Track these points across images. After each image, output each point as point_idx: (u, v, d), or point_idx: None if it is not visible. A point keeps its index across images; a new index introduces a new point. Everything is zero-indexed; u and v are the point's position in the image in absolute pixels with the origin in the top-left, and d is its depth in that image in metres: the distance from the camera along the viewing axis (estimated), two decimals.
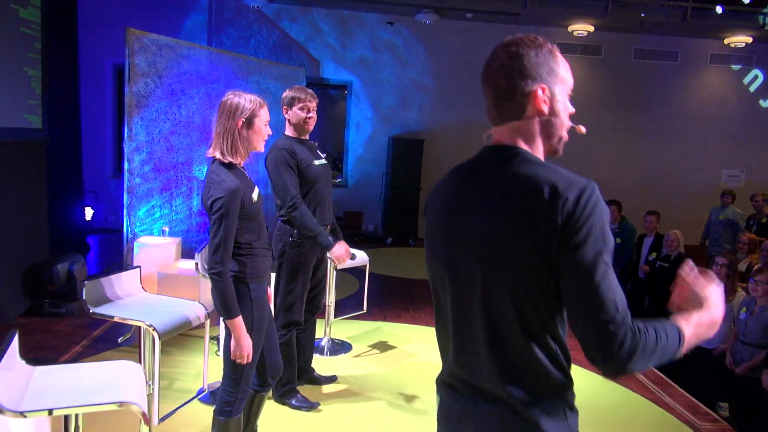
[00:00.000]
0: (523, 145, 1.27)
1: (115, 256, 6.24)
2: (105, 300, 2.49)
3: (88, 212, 7.98)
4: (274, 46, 8.64)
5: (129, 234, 5.59)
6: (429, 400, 3.39)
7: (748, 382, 4.33)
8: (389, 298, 5.71)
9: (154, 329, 2.34)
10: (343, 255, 3.18)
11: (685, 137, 9.30)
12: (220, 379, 2.31)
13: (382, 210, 9.14)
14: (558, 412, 1.17)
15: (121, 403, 1.80)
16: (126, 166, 5.51)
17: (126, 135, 5.42)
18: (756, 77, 9.40)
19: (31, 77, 4.90)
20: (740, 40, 8.67)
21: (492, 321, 1.18)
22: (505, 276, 1.16)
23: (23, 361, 1.94)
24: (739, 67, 9.26)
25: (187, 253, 5.51)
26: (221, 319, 2.35)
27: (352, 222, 8.92)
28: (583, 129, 1.35)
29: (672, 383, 3.95)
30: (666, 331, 1.12)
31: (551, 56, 1.31)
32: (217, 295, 2.09)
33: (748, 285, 4.53)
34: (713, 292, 1.26)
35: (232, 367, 2.24)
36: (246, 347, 2.13)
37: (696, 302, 1.26)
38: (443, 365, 1.35)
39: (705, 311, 1.23)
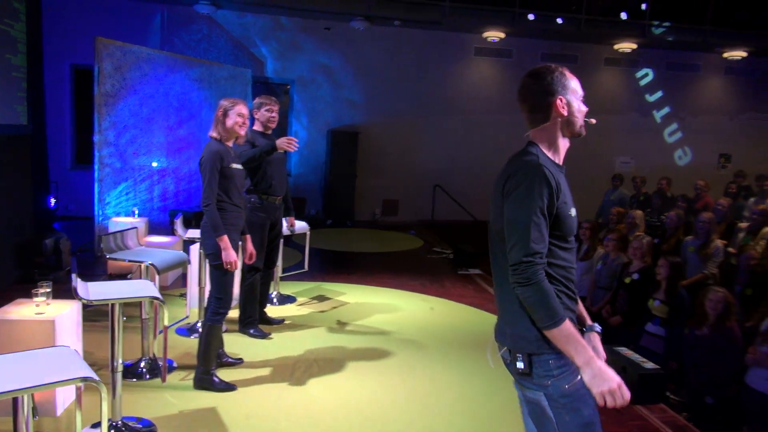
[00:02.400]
0: (543, 140, 1.87)
1: (80, 240, 6.90)
2: (115, 249, 3.46)
3: (52, 201, 8.68)
4: (223, 49, 9.52)
5: (100, 217, 6.43)
6: (359, 330, 4.52)
7: (600, 316, 5.64)
8: (328, 266, 6.80)
9: (154, 266, 3.35)
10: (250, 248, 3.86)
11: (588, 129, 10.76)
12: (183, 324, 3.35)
13: (323, 195, 10.20)
14: (522, 320, 1.70)
15: (84, 379, 1.86)
16: (96, 157, 6.33)
17: (96, 129, 6.25)
18: (647, 74, 10.96)
19: (16, 77, 5.67)
20: (627, 46, 10.17)
21: (493, 256, 1.84)
22: (496, 222, 1.79)
23: None
24: (628, 68, 10.80)
25: (153, 229, 6.43)
26: (207, 263, 3.38)
27: (295, 207, 9.92)
28: (593, 120, 1.95)
29: None
30: (559, 314, 1.60)
31: (562, 76, 1.87)
32: (208, 220, 3.18)
33: (604, 242, 5.86)
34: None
35: (217, 285, 3.28)
36: (232, 256, 3.20)
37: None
38: None
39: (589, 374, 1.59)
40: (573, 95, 1.88)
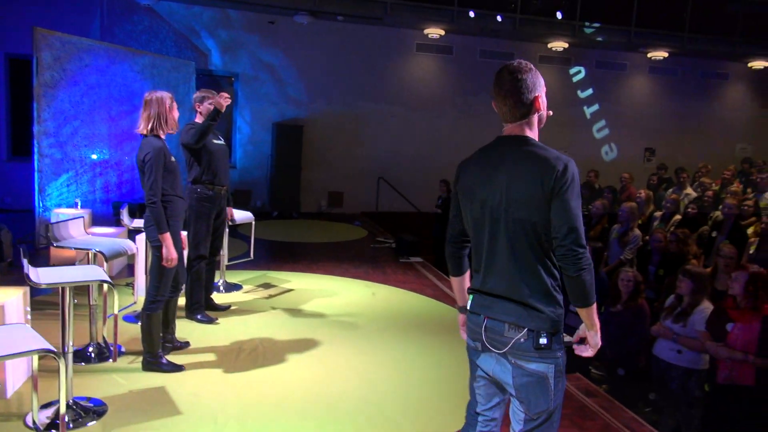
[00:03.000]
0: (528, 134, 1.98)
1: (19, 233, 6.75)
2: (63, 238, 3.55)
3: None
4: (165, 40, 9.47)
5: (40, 209, 6.38)
6: (304, 314, 4.75)
7: None
8: (274, 255, 6.97)
9: (102, 253, 3.46)
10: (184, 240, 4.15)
11: None
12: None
13: (268, 188, 10.30)
14: (552, 303, 1.91)
15: (43, 351, 2.02)
16: (36, 148, 6.27)
17: (35, 120, 6.19)
18: (579, 72, 11.56)
19: None
20: (560, 44, 10.71)
21: (512, 244, 1.91)
22: (522, 212, 1.88)
23: None
24: (561, 66, 11.37)
25: (97, 221, 6.42)
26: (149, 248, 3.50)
27: (241, 199, 10.00)
28: (551, 112, 2.06)
29: None
30: (588, 274, 1.86)
31: (537, 74, 2.00)
32: (152, 216, 3.26)
33: None
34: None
35: (157, 276, 3.41)
36: (173, 253, 3.33)
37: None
38: (475, 281, 2.05)
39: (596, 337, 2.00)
40: (543, 91, 2.02)
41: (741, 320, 3.71)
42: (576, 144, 11.56)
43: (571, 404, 3.39)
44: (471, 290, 2.09)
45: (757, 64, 11.78)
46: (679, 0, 10.80)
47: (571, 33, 10.32)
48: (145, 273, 4.30)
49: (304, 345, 4.13)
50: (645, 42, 10.75)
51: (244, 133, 10.24)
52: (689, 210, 6.75)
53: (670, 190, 8.79)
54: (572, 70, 11.42)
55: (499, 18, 9.80)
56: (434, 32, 10.24)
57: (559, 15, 10.12)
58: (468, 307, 2.09)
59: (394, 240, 7.99)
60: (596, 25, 10.12)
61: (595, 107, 11.75)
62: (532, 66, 2.00)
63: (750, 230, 6.21)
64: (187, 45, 9.63)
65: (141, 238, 4.57)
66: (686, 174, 9.46)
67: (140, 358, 3.54)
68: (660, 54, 11.14)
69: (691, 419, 4.16)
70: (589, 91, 11.59)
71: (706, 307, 3.96)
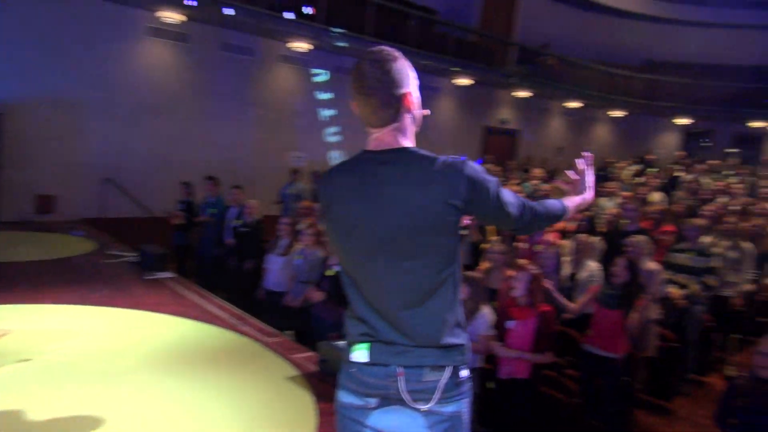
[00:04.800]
0: (405, 142, 1.64)
1: None
2: None
3: None
4: None
5: None
6: (41, 366, 3.62)
7: (304, 312, 5.77)
8: None
9: None
10: None
11: (263, 124, 10.90)
12: None
13: None
14: (463, 327, 1.69)
15: None
16: None
17: None
18: (321, 74, 11.64)
19: None
20: (302, 46, 10.65)
21: (411, 276, 1.60)
22: (424, 237, 1.58)
23: None
24: (303, 67, 11.34)
25: None
26: None
27: None
28: (427, 112, 1.76)
29: (245, 315, 5.02)
30: (548, 205, 1.81)
31: (405, 65, 1.63)
32: None
33: (301, 238, 6.00)
34: (592, 182, 2.00)
35: None
36: None
37: (581, 188, 1.98)
38: (363, 326, 1.66)
39: (587, 194, 1.97)
40: (414, 85, 1.68)
41: (519, 317, 4.02)
42: (316, 147, 11.68)
43: None
44: (363, 336, 1.70)
45: (463, 81, 13.49)
46: (404, 17, 11.72)
47: (315, 35, 10.32)
48: None
49: (59, 410, 3.13)
50: None
51: None
52: None
53: None
54: (314, 73, 11.48)
55: (231, 11, 9.15)
56: (169, 16, 9.17)
57: (308, 10, 9.93)
58: (359, 359, 1.69)
59: (134, 252, 6.87)
60: (339, 30, 10.31)
61: (332, 111, 12.03)
62: (399, 54, 1.65)
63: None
64: None
65: None
66: None
67: None
68: None
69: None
70: (328, 95, 11.82)
71: (487, 312, 4.20)
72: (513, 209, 1.70)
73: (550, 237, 5.66)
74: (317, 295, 5.40)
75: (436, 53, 12.11)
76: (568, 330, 5.08)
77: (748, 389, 3.19)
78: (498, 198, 1.66)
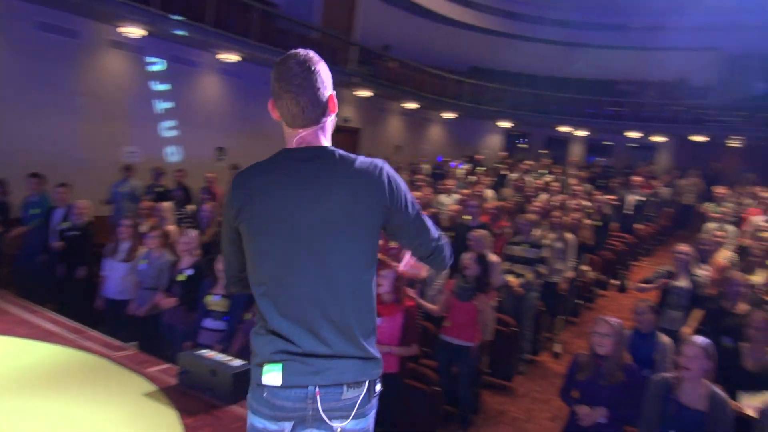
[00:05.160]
0: (325, 142, 1.63)
1: None
2: None
3: None
4: None
5: None
6: None
7: (150, 320, 5.37)
8: None
9: None
10: None
11: (90, 115, 9.85)
12: None
13: None
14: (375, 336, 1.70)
15: None
16: None
17: None
18: (157, 64, 10.81)
19: None
20: (135, 31, 9.79)
21: (336, 282, 1.58)
22: (349, 239, 1.57)
23: None
24: (136, 55, 10.46)
25: None
26: None
27: None
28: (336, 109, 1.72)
29: (84, 329, 4.51)
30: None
31: (327, 67, 1.65)
32: None
33: (145, 241, 5.56)
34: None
35: None
36: None
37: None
38: (282, 342, 1.57)
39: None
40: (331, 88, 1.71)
41: (386, 314, 4.11)
42: (151, 142, 10.89)
43: None
44: (277, 354, 1.60)
45: None
46: (246, 9, 11.34)
47: (149, 21, 9.55)
48: None
49: None
50: (218, 43, 10.86)
51: None
52: None
53: None
54: (149, 62, 10.64)
55: None
56: None
57: None
58: (272, 383, 1.59)
59: None
60: (176, 17, 9.65)
61: (168, 104, 11.27)
62: (320, 58, 1.68)
63: None
64: None
65: None
66: None
67: None
68: (231, 57, 11.47)
69: None
70: (165, 86, 11.04)
71: None
72: (433, 231, 1.73)
73: None
74: (167, 302, 5.06)
75: (278, 48, 11.91)
76: (423, 323, 5.33)
77: (588, 365, 3.60)
78: (418, 214, 1.68)
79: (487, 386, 5.64)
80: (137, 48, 10.38)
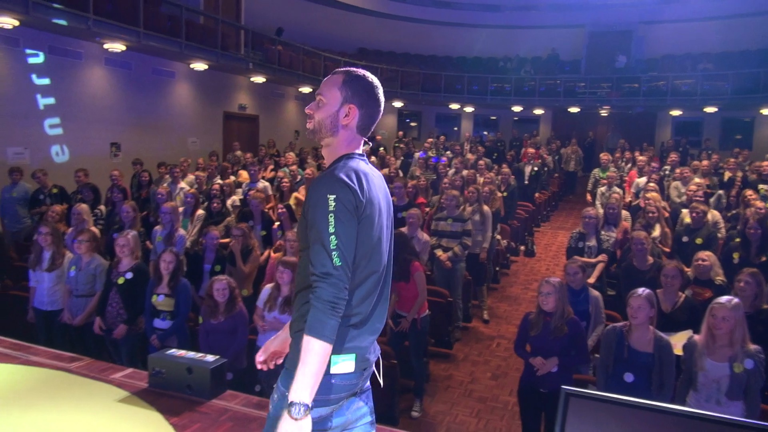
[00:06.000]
0: None
1: None
2: None
3: None
4: None
5: None
6: None
7: (86, 330, 5.12)
8: None
9: None
10: None
11: None
12: None
13: None
14: None
15: None
16: None
17: None
18: (37, 56, 9.90)
19: None
20: (7, 21, 8.91)
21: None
22: None
23: None
24: (11, 47, 9.53)
25: None
26: None
27: None
28: None
29: (25, 344, 4.23)
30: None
31: None
32: None
33: (75, 245, 5.25)
34: None
35: None
36: None
37: None
38: (362, 336, 1.75)
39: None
40: None
41: None
42: (37, 141, 10.04)
43: None
44: (354, 350, 1.76)
45: (198, 66, 12.94)
46: None
47: (23, 9, 8.73)
48: None
49: None
50: (103, 32, 10.14)
51: None
52: (215, 205, 7.03)
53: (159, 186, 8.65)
54: (28, 54, 9.73)
55: None
56: None
57: None
58: (349, 371, 1.76)
59: None
60: (53, 5, 8.90)
61: (51, 99, 10.40)
62: None
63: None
64: None
65: None
66: (165, 168, 9.68)
67: None
68: (117, 47, 10.76)
69: None
70: (46, 81, 10.16)
71: None
72: (316, 265, 1.58)
73: None
74: (120, 332, 4.84)
75: (167, 35, 11.37)
76: None
77: (537, 321, 3.99)
78: (318, 230, 1.59)
79: (432, 356, 5.97)
80: (11, 40, 9.47)
